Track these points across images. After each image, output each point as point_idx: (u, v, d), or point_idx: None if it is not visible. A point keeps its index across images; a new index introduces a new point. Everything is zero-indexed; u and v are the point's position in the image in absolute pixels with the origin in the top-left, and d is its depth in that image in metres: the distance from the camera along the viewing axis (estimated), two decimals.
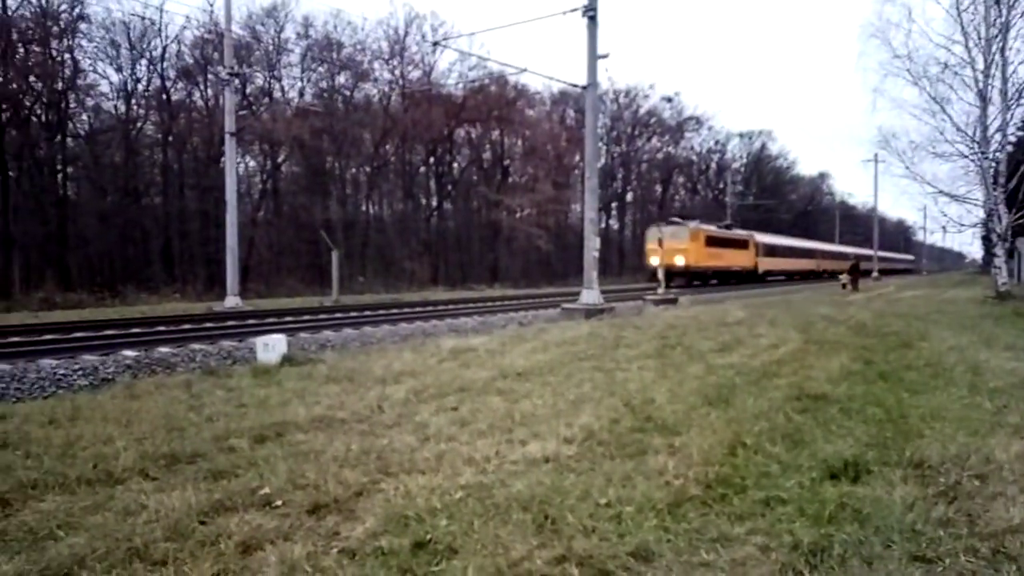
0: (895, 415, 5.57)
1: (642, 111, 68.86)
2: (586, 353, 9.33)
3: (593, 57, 18.76)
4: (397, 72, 50.08)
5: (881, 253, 65.36)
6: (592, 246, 19.10)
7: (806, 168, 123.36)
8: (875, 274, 52.54)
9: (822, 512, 3.47)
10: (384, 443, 4.81)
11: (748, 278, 45.10)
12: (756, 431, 5.00)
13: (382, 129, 47.36)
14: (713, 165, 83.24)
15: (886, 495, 3.73)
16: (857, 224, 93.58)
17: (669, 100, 70.38)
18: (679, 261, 36.59)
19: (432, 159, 52.63)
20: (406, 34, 49.38)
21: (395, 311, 19.93)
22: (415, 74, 50.71)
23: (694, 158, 79.84)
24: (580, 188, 23.76)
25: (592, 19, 18.48)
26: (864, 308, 18.47)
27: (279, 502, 3.73)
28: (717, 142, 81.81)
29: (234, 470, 4.28)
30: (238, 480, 4.08)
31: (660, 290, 24.55)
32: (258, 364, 8.94)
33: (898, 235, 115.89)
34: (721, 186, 76.26)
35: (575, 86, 21.93)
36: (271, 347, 9.37)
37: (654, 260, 33.44)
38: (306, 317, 17.64)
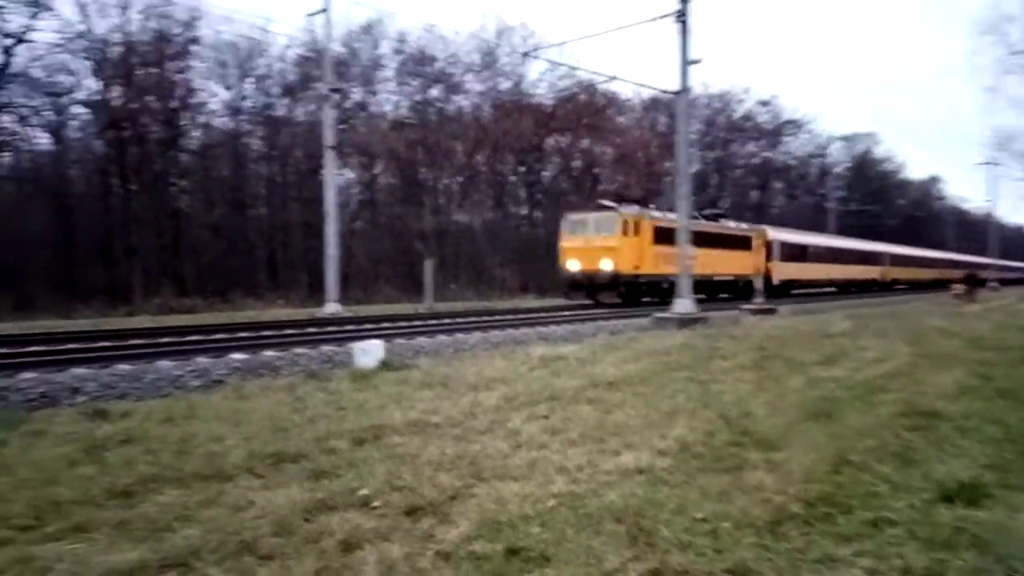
0: (1016, 435, 5.19)
1: (737, 115, 67.13)
2: (679, 363, 9.15)
3: (684, 62, 18.46)
4: (488, 83, 50.85)
5: (998, 261, 60.94)
6: (686, 254, 18.75)
7: (915, 172, 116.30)
8: (993, 283, 49.18)
9: (936, 536, 3.29)
10: (477, 448, 4.88)
11: (748, 290, 27.17)
12: (862, 448, 4.77)
13: (473, 140, 48.09)
14: (814, 170, 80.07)
15: (1008, 520, 3.49)
16: (972, 231, 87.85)
17: (765, 103, 68.39)
18: (605, 266, 24.57)
19: (522, 168, 53.01)
20: (497, 46, 50.13)
21: (486, 318, 20.14)
22: (505, 85, 51.34)
23: (793, 163, 77.04)
24: (672, 195, 23.32)
25: (683, 24, 18.20)
26: (981, 320, 17.31)
27: (377, 503, 3.84)
28: (818, 146, 78.72)
29: (335, 470, 4.44)
30: (339, 480, 4.23)
31: (758, 298, 23.46)
32: (356, 369, 9.24)
33: (1019, 242, 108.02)
34: (822, 192, 73.24)
35: (666, 92, 21.62)
36: (369, 352, 9.66)
37: (572, 264, 25.47)
38: (401, 323, 18.08)
